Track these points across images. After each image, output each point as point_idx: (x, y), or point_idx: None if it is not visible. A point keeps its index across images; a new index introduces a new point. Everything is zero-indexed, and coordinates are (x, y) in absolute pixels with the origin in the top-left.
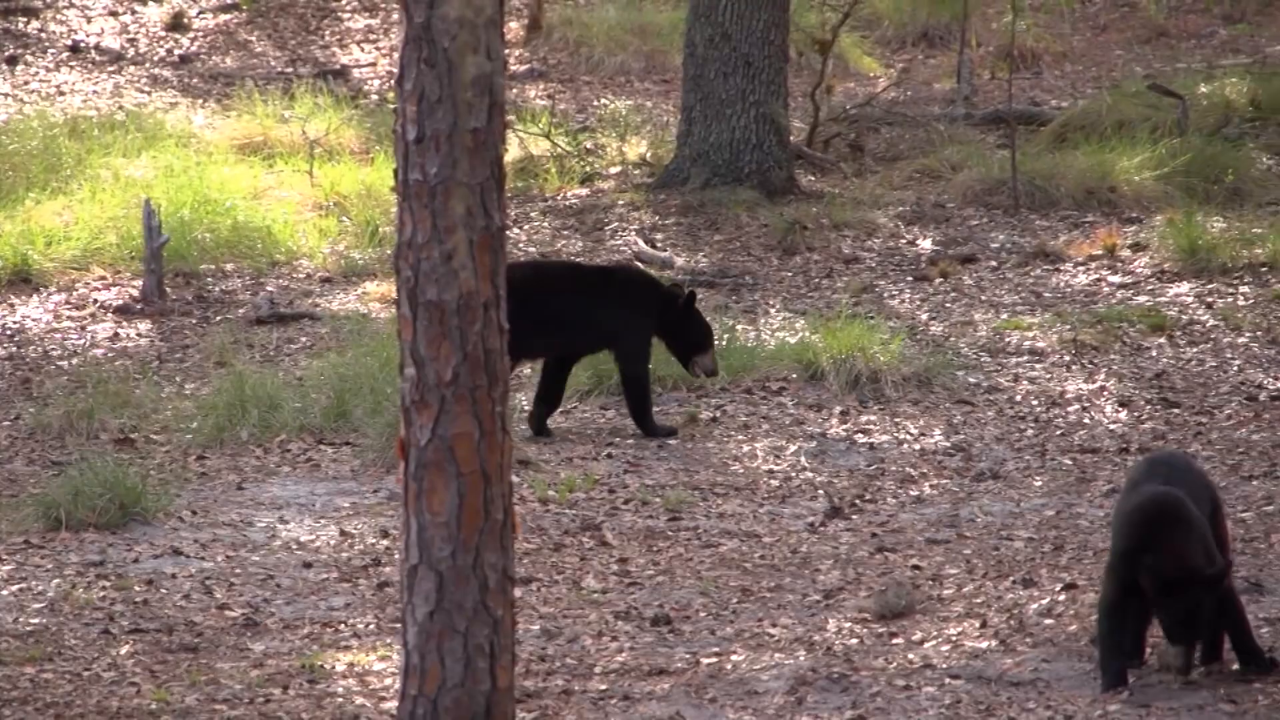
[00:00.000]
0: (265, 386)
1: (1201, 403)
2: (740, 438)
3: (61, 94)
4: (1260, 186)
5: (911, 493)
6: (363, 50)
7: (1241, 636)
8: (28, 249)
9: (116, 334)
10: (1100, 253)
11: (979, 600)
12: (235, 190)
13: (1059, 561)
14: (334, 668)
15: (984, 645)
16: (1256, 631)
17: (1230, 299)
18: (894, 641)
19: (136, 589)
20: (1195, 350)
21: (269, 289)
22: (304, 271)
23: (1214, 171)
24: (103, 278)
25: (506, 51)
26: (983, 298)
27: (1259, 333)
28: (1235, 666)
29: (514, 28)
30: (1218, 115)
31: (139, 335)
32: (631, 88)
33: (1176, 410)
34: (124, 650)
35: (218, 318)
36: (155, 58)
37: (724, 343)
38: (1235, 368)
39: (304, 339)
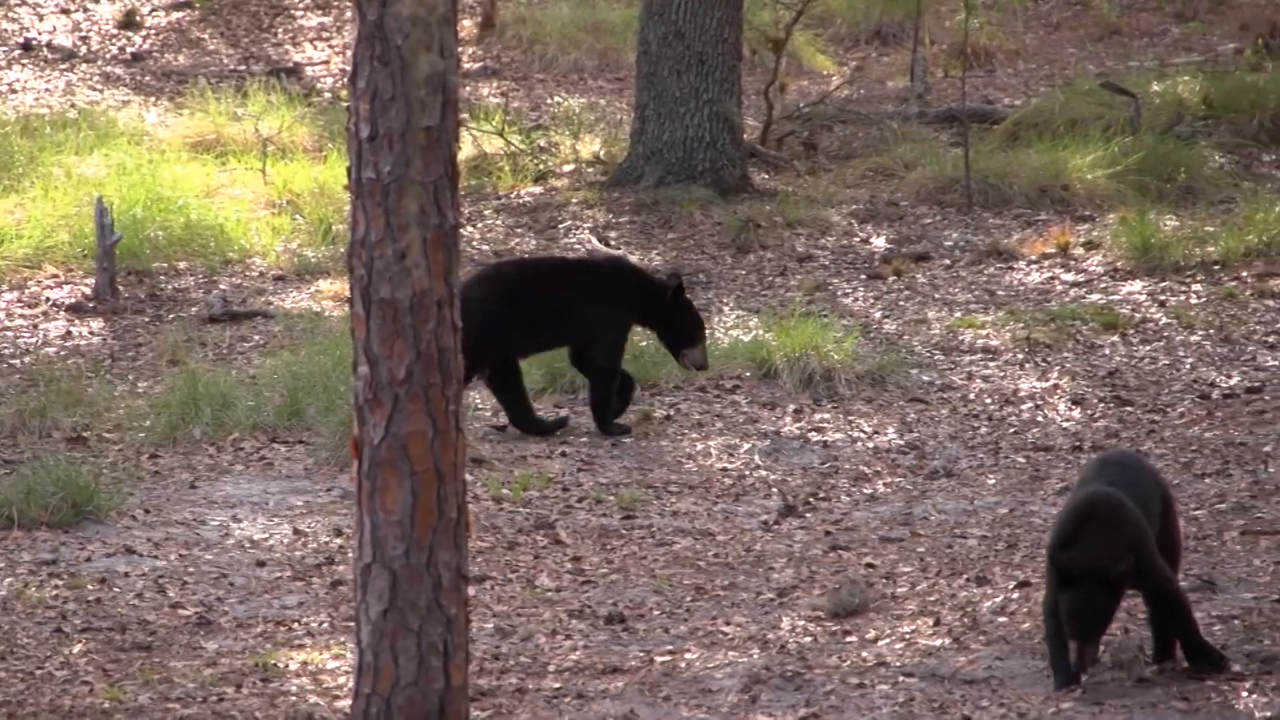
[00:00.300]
0: (218, 385)
1: (1154, 401)
2: (694, 436)
3: (13, 92)
4: (1212, 185)
5: (865, 491)
6: (315, 48)
7: (1187, 635)
8: None
9: (69, 332)
10: (1053, 251)
11: (932, 598)
12: (188, 188)
13: (1012, 559)
14: (287, 666)
15: (938, 643)
16: (1209, 629)
17: (1183, 297)
18: (848, 639)
19: (89, 588)
20: (1148, 348)
21: (222, 287)
22: (257, 269)
23: (1166, 170)
24: (55, 276)
25: (460, 49)
26: (936, 296)
27: (1211, 331)
28: (1188, 665)
29: (467, 25)
30: (1170, 113)
31: (91, 333)
32: (585, 85)
33: (1129, 408)
34: (77, 649)
35: (170, 316)
36: (108, 55)
37: None
38: (1188, 366)
39: (257, 337)
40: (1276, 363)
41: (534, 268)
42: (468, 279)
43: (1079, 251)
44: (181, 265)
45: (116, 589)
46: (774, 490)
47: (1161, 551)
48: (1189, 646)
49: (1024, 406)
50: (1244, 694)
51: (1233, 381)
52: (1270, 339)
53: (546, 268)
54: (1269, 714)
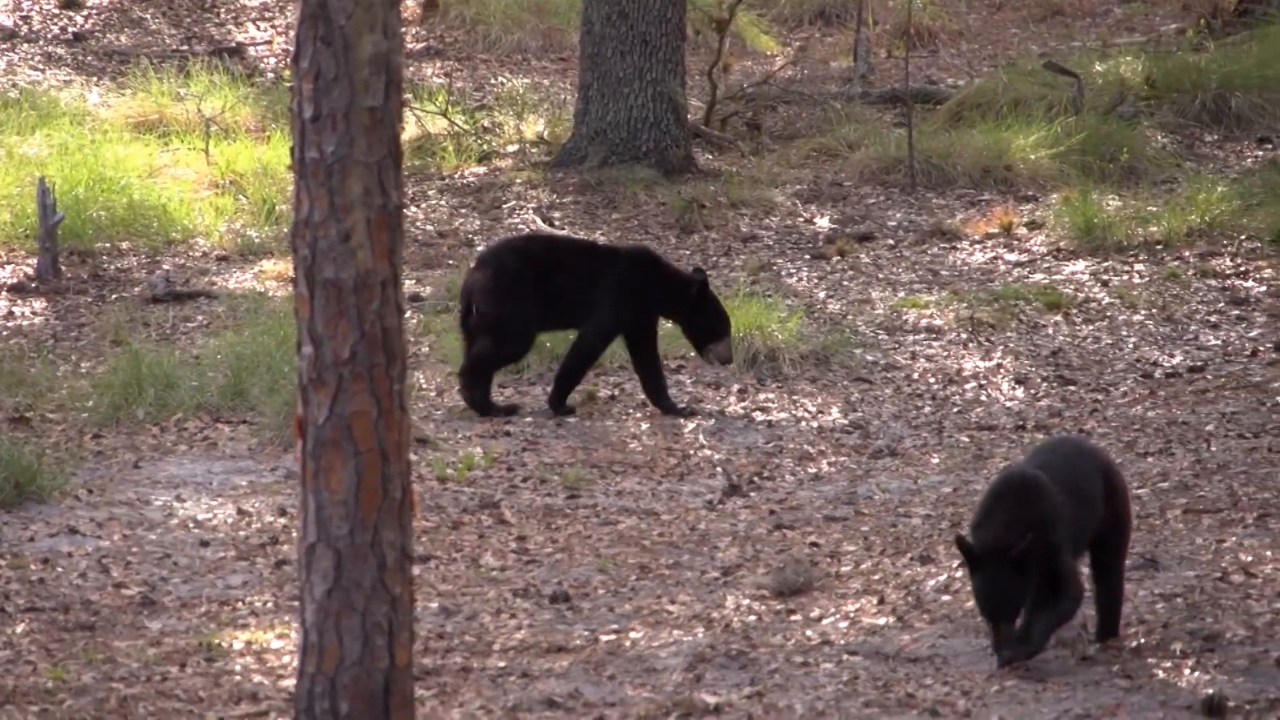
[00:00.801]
0: (162, 365)
1: (1097, 380)
2: (639, 415)
3: None
4: (1155, 165)
5: (809, 470)
6: (258, 28)
7: (1046, 619)
8: None
9: (11, 312)
10: (997, 231)
11: (876, 577)
12: (131, 168)
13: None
14: (231, 646)
15: (881, 622)
16: (1152, 607)
17: (1126, 277)
18: (792, 618)
19: (32, 568)
20: (1091, 328)
21: (165, 267)
22: (200, 250)
23: (1109, 150)
24: None
25: (403, 29)
26: (880, 276)
27: (1154, 310)
28: (1131, 644)
29: (410, 5)
30: (1113, 93)
31: (34, 314)
32: (529, 66)
33: (1073, 387)
34: (20, 629)
35: (113, 296)
36: (49, 35)
37: None
38: (1131, 345)
39: (200, 317)
40: (1219, 342)
41: (563, 247)
42: (497, 245)
43: (1022, 231)
44: (124, 245)
45: (60, 569)
46: (719, 469)
47: (1107, 534)
48: (1032, 621)
49: (967, 386)
50: (1186, 671)
51: (1175, 361)
52: (1212, 318)
53: (574, 249)
54: (1210, 691)
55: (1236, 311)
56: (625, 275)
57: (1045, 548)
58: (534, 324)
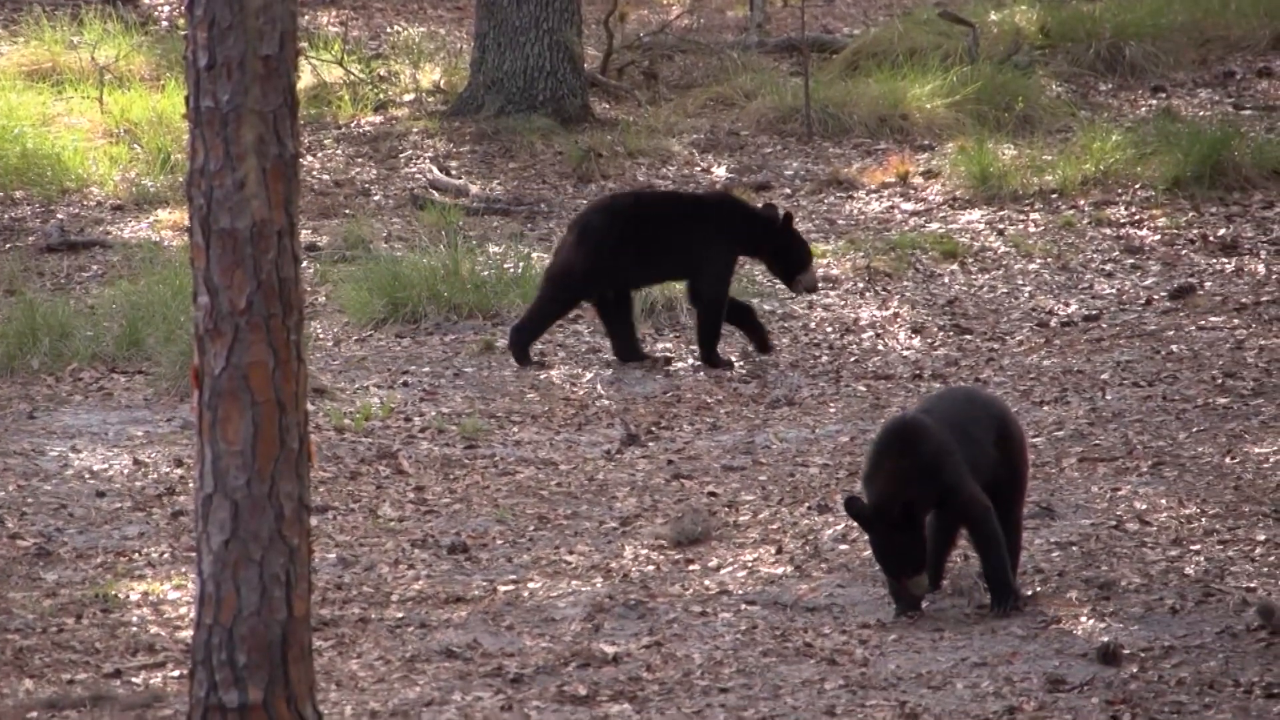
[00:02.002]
0: (56, 315)
1: (993, 329)
2: (536, 365)
3: None
4: (1050, 114)
5: (707, 420)
6: None
7: (987, 560)
8: None
9: None
10: (893, 180)
11: (774, 526)
12: (23, 117)
13: (854, 487)
14: (128, 597)
15: (779, 571)
16: (1047, 555)
17: (1021, 226)
18: (690, 568)
19: None
20: (987, 277)
21: (59, 217)
22: (95, 199)
23: (1004, 99)
24: None
25: None
26: None
27: (1049, 259)
28: (1028, 592)
29: None
30: (1008, 43)
31: None
32: (425, 14)
33: (969, 336)
34: None
35: (7, 245)
36: None
37: (519, 271)
38: (1026, 294)
39: (95, 267)
40: (1113, 290)
41: (649, 200)
42: (585, 209)
43: (918, 181)
44: (18, 194)
45: None
46: (616, 419)
47: (1003, 483)
48: (987, 573)
49: (864, 335)
50: (1082, 619)
51: (1070, 309)
52: (1107, 267)
53: (660, 201)
54: (1106, 639)
55: (1131, 260)
56: (719, 220)
57: (938, 490)
58: (609, 278)
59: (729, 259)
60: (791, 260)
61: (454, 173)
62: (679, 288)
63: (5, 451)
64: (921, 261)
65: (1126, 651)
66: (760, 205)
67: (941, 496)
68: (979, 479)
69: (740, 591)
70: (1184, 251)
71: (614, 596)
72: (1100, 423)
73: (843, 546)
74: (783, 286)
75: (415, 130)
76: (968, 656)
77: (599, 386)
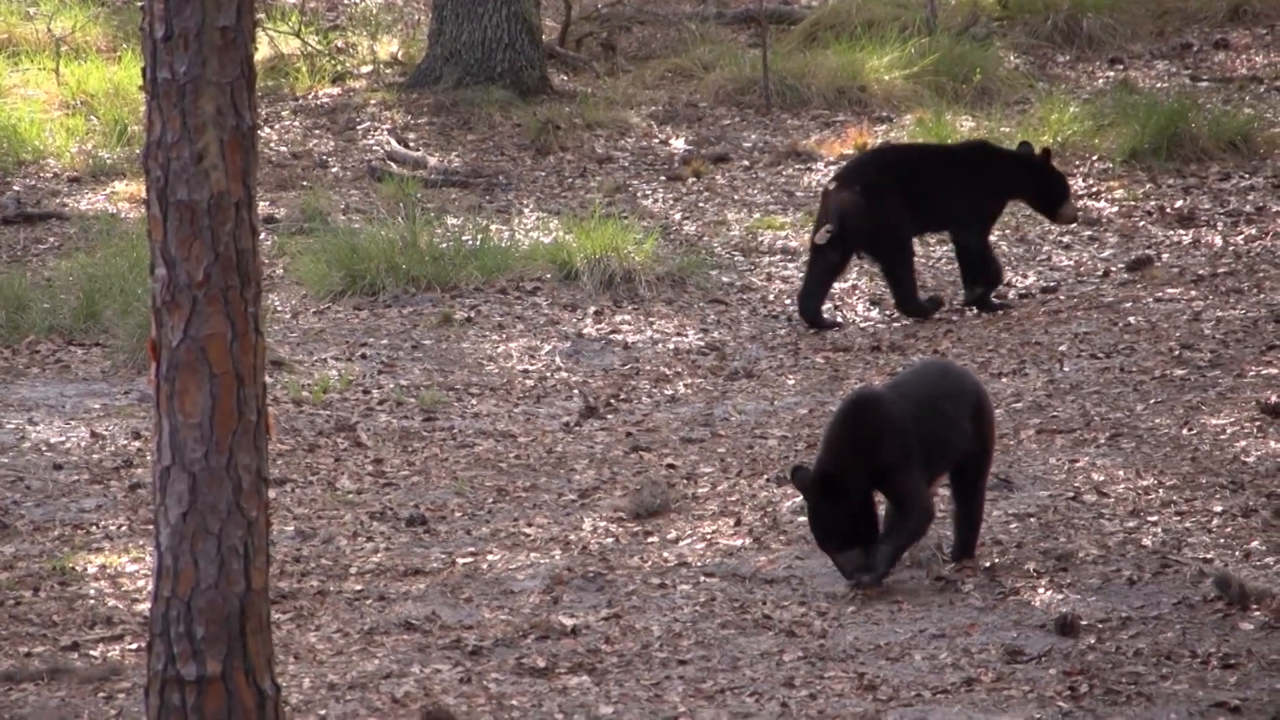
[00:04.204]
0: (13, 287)
1: (951, 300)
2: (495, 338)
3: None
4: (1008, 85)
5: (666, 392)
6: None
7: (891, 541)
8: None
9: None
10: (852, 152)
11: (733, 498)
12: None
13: (813, 460)
14: (86, 570)
15: (738, 543)
16: (1006, 527)
17: None
18: (649, 540)
19: None
20: (946, 248)
21: (15, 189)
22: (51, 171)
23: (962, 71)
24: None
25: None
26: (735, 197)
27: (1007, 231)
28: (986, 564)
29: None
30: (966, 14)
31: None
32: None
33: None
34: None
35: None
36: None
37: (478, 243)
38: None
39: (52, 239)
40: (1071, 262)
41: (914, 152)
42: (855, 162)
43: None
44: None
45: None
46: (575, 392)
47: (970, 458)
48: (880, 547)
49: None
50: (1040, 590)
51: (1028, 281)
52: (1065, 239)
53: (920, 153)
54: (1064, 610)
55: (1088, 232)
56: (978, 166)
57: (875, 467)
58: (908, 230)
59: (992, 206)
60: (1053, 194)
61: (412, 145)
62: (639, 256)
63: None
64: None
65: (1084, 622)
66: (1016, 146)
67: (878, 474)
68: (952, 454)
69: (699, 564)
70: (1141, 223)
71: (573, 569)
72: (1058, 394)
73: (801, 519)
74: (738, 259)
75: (373, 102)
76: (926, 628)
77: (557, 359)
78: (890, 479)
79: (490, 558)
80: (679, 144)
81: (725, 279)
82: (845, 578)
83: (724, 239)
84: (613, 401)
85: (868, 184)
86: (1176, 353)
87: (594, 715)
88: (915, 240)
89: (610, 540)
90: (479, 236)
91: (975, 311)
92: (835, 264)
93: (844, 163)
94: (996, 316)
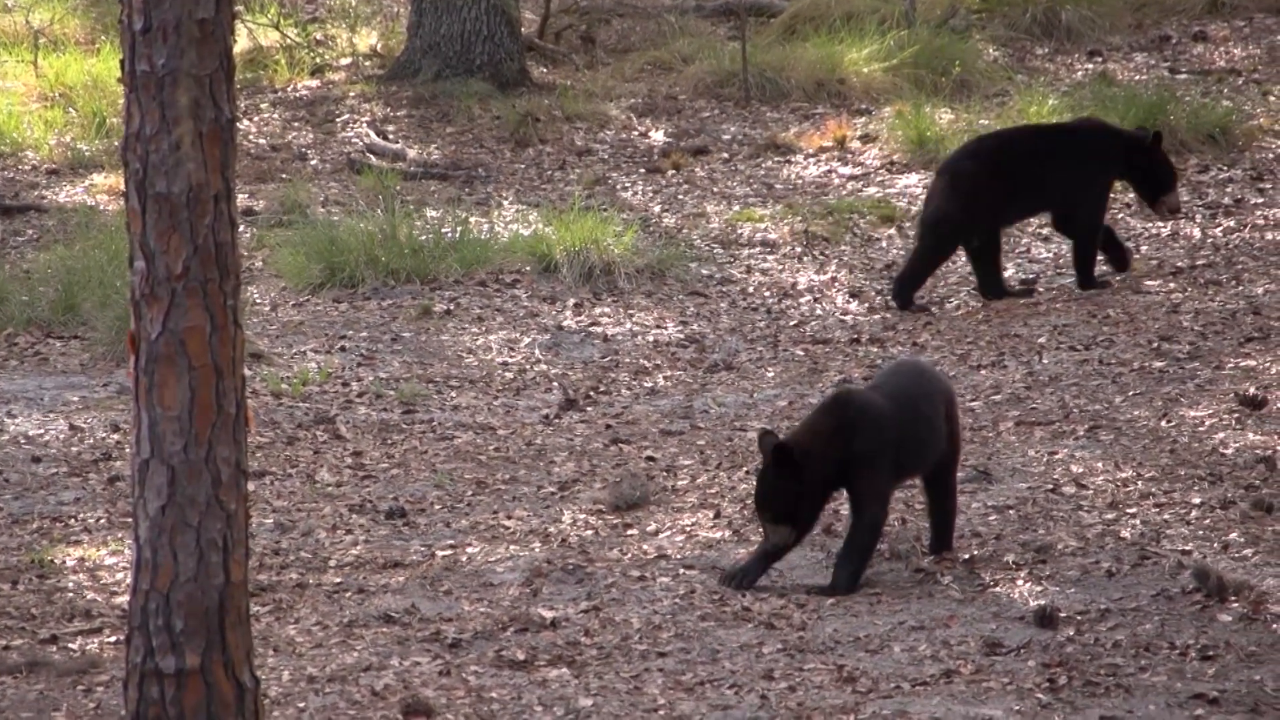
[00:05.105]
0: None
1: (930, 293)
2: (475, 330)
3: None
4: (986, 78)
5: (646, 384)
6: None
7: (847, 547)
8: None
9: None
10: (830, 144)
11: (713, 491)
12: None
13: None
14: (64, 563)
15: (718, 535)
16: (985, 519)
17: None
18: (629, 533)
19: None
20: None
21: None
22: (30, 163)
23: (941, 63)
24: None
25: None
26: (715, 190)
27: None
28: (965, 556)
29: None
30: (944, 7)
31: None
32: None
33: None
34: None
35: None
36: None
37: (457, 236)
38: (963, 258)
39: (30, 231)
40: (1050, 255)
41: (1014, 138)
42: (954, 154)
43: (855, 145)
44: None
45: None
46: (555, 384)
47: (946, 452)
48: (842, 554)
49: (802, 300)
50: (1019, 583)
51: (1008, 274)
52: (1044, 231)
53: (1027, 136)
54: (1043, 602)
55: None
56: (1091, 147)
57: (855, 465)
58: (985, 219)
59: (1104, 185)
60: (1159, 181)
61: (391, 137)
62: (618, 249)
63: None
64: (859, 226)
65: (1063, 614)
66: (1132, 128)
67: (848, 463)
68: (931, 454)
69: (678, 556)
70: (1120, 215)
71: (552, 561)
72: (1037, 386)
73: None
74: (717, 252)
75: (352, 94)
76: (905, 620)
77: (537, 351)
78: (857, 472)
79: (469, 550)
80: (658, 136)
81: (704, 271)
82: (763, 546)
83: (703, 231)
84: (592, 394)
85: (965, 173)
86: (1155, 345)
87: (573, 708)
88: (1027, 222)
89: (590, 533)
90: (458, 229)
91: (955, 304)
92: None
93: (952, 151)
94: (976, 309)
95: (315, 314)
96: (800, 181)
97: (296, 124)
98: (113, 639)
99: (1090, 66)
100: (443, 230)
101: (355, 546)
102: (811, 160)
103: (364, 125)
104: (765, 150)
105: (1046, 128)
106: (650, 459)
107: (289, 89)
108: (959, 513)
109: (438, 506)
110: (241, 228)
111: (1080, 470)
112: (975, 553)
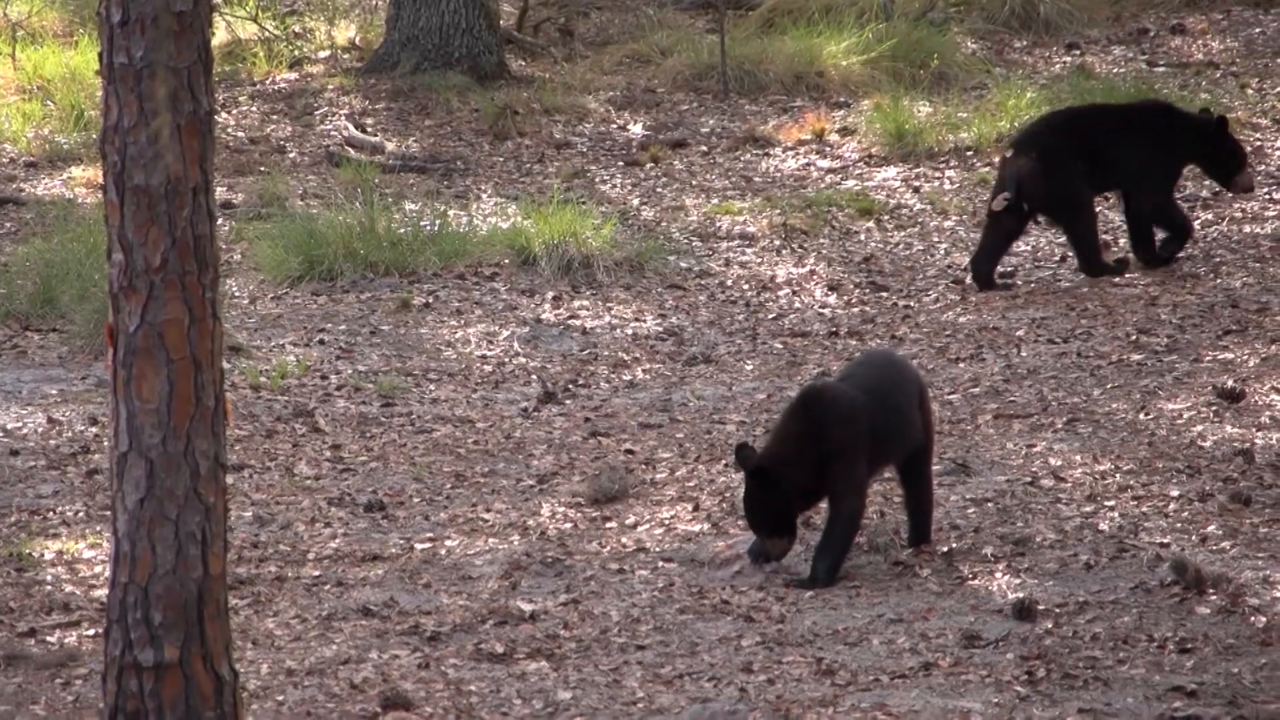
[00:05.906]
0: None
1: (909, 286)
2: (453, 323)
3: None
4: (965, 71)
5: (624, 377)
6: None
7: (824, 545)
8: None
9: None
10: (809, 137)
11: (691, 484)
12: None
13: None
14: (43, 556)
15: (697, 528)
16: (964, 512)
17: (936, 183)
18: (607, 525)
19: None
20: (903, 234)
21: None
22: (7, 156)
23: (920, 56)
24: None
25: None
26: (693, 183)
27: (964, 216)
28: (943, 549)
29: None
30: (923, 0)
31: None
32: None
33: (885, 294)
34: None
35: None
36: None
37: (436, 229)
38: (942, 251)
39: (8, 224)
40: (1028, 248)
41: (1089, 115)
42: (1030, 127)
43: (834, 138)
44: None
45: None
46: (533, 377)
47: (920, 444)
48: (821, 546)
49: (781, 292)
50: (997, 575)
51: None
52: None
53: (1100, 114)
54: (1021, 594)
55: (1045, 217)
56: (1162, 128)
57: (828, 464)
58: (1087, 193)
59: (1173, 167)
60: (1229, 162)
61: (370, 130)
62: (597, 242)
63: None
64: (838, 219)
65: (1041, 607)
66: (1198, 110)
67: (823, 460)
68: (905, 444)
69: (657, 549)
70: (1099, 209)
71: (531, 554)
72: (1015, 379)
73: None
74: (696, 245)
75: (330, 87)
76: (884, 613)
77: (516, 344)
78: (831, 467)
79: (448, 543)
80: (637, 129)
81: (683, 264)
82: (766, 559)
83: (682, 224)
84: (571, 387)
85: (1044, 149)
86: (1133, 338)
87: (552, 700)
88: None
89: (569, 526)
90: (437, 222)
91: (933, 297)
92: (1012, 229)
93: (1019, 130)
94: (954, 302)
95: (294, 307)
96: (779, 174)
97: (275, 117)
98: (91, 632)
99: (1068, 59)
100: (421, 223)
101: (334, 539)
102: (790, 153)
103: (342, 118)
104: (744, 143)
105: (1114, 108)
106: (629, 452)
107: (267, 82)
108: (937, 506)
109: (416, 499)
110: (220, 220)
111: (1058, 463)
112: (954, 545)
